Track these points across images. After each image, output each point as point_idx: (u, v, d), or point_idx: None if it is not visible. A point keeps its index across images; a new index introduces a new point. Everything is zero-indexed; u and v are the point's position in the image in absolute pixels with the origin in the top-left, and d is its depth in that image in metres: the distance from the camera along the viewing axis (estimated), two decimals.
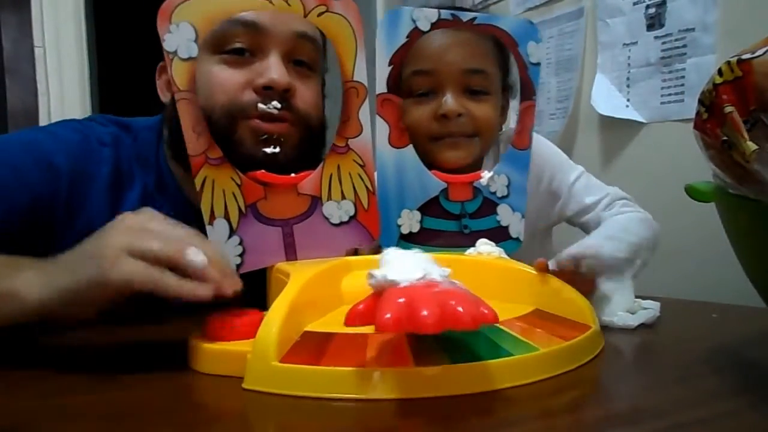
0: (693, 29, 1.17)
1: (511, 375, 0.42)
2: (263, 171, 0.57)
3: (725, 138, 0.46)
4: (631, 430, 0.37)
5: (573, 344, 0.47)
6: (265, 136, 0.62)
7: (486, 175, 0.67)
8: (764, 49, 0.44)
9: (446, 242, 0.65)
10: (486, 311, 0.38)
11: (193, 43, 0.53)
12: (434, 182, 0.66)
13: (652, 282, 0.72)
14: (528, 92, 0.70)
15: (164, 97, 0.71)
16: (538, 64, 0.69)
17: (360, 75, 0.60)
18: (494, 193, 0.68)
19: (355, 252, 0.62)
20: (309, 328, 0.47)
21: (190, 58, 0.53)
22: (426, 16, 0.64)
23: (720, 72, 0.46)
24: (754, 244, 0.49)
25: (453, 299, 0.38)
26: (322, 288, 0.52)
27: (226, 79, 0.63)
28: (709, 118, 0.47)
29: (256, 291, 0.54)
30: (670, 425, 0.36)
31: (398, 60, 0.64)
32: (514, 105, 0.79)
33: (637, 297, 0.63)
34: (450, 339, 0.45)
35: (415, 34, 0.64)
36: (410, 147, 0.65)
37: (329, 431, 0.38)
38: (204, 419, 0.40)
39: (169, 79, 0.70)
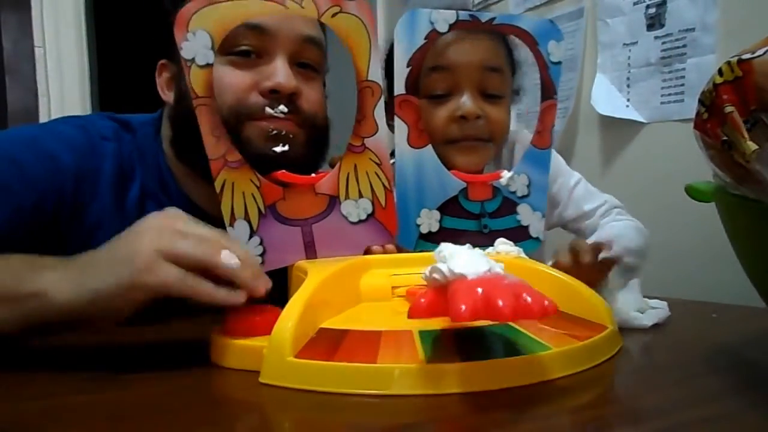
0: (693, 29, 1.17)
1: (522, 374, 0.42)
2: (284, 171, 0.58)
3: (725, 138, 0.46)
4: (631, 429, 0.37)
5: (586, 344, 0.47)
6: (274, 132, 0.63)
7: (506, 174, 0.68)
8: (764, 49, 0.44)
9: (466, 242, 0.65)
10: (548, 303, 0.39)
11: (209, 50, 0.54)
12: (454, 182, 0.66)
13: (653, 282, 0.72)
14: (549, 91, 0.70)
15: (165, 95, 0.72)
16: (559, 63, 0.69)
17: (374, 74, 0.60)
18: (514, 193, 0.68)
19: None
20: (325, 324, 0.48)
21: (207, 65, 0.54)
22: (444, 18, 0.64)
23: (720, 72, 0.46)
24: (754, 244, 0.49)
25: (523, 291, 0.39)
26: (339, 285, 0.53)
27: (234, 80, 0.64)
28: (710, 118, 0.47)
29: (279, 289, 0.55)
30: (670, 425, 0.36)
31: (417, 61, 0.64)
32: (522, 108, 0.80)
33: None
34: (461, 337, 0.45)
35: (434, 35, 0.64)
36: (429, 147, 0.65)
37: (342, 425, 0.39)
38: (220, 412, 0.41)
39: (170, 77, 0.70)
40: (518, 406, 0.40)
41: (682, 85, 1.20)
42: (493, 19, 0.67)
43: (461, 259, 0.42)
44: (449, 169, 0.70)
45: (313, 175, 0.60)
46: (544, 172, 0.70)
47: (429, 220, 0.65)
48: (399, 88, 0.64)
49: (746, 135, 0.44)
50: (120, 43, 2.85)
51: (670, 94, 1.22)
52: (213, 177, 0.55)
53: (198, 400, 0.43)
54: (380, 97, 0.61)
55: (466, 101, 0.78)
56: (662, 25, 1.22)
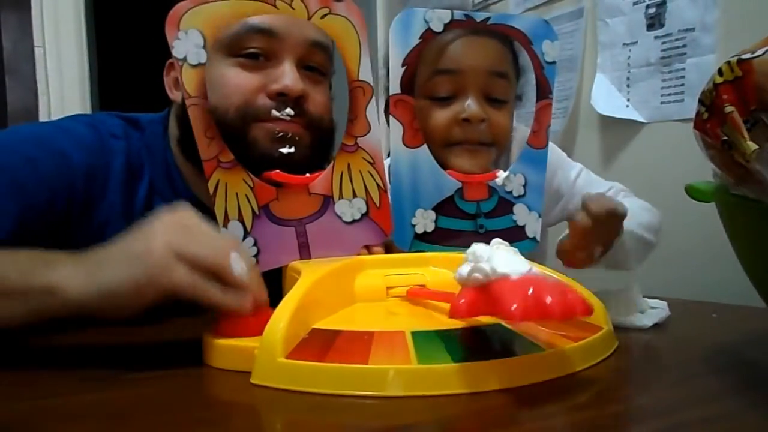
0: (693, 29, 1.17)
1: (514, 375, 0.42)
2: (278, 171, 0.58)
3: (725, 138, 0.46)
4: (630, 429, 0.37)
5: (580, 345, 0.47)
6: (280, 134, 0.63)
7: (501, 174, 0.68)
8: (764, 49, 0.44)
9: (461, 242, 0.65)
10: (588, 303, 0.40)
11: (201, 49, 0.54)
12: (449, 182, 0.66)
13: (653, 282, 0.72)
14: (544, 91, 0.70)
15: (172, 94, 0.72)
16: (553, 63, 0.69)
17: (365, 74, 0.61)
18: (510, 193, 0.68)
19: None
20: (318, 325, 0.48)
21: (199, 65, 0.54)
22: (439, 17, 0.64)
23: (720, 72, 0.46)
24: (754, 244, 0.49)
25: (566, 289, 0.40)
26: (333, 286, 0.53)
27: (242, 82, 0.64)
28: (710, 118, 0.47)
29: (273, 290, 0.54)
30: (670, 425, 0.36)
31: (412, 61, 0.64)
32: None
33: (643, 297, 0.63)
34: (454, 338, 0.45)
35: (428, 35, 0.64)
36: (425, 147, 0.65)
37: (334, 427, 0.39)
38: (211, 413, 0.41)
39: (177, 76, 0.70)
40: (513, 407, 0.40)
41: (682, 85, 1.20)
42: (487, 18, 0.67)
43: (502, 259, 0.42)
44: (450, 165, 0.70)
45: (307, 174, 0.60)
46: (541, 171, 0.70)
47: (424, 220, 0.65)
48: (394, 87, 0.64)
49: (746, 135, 0.44)
50: (120, 42, 2.85)
51: (670, 94, 1.22)
52: (206, 177, 0.55)
53: (190, 400, 0.43)
54: (371, 97, 0.61)
55: (471, 104, 0.76)
56: (662, 25, 1.22)
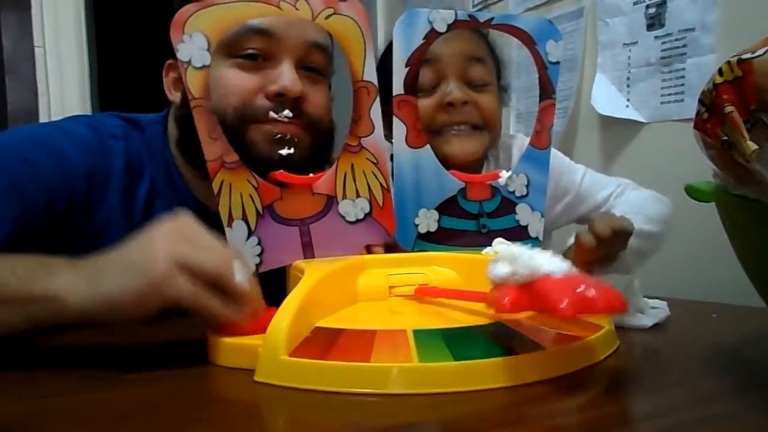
0: (693, 29, 1.17)
1: (515, 374, 0.42)
2: (282, 171, 0.58)
3: (725, 138, 0.46)
4: (630, 429, 0.37)
5: (580, 344, 0.47)
6: (278, 136, 0.63)
7: (504, 174, 0.68)
8: (764, 49, 0.44)
9: (464, 242, 0.66)
10: (623, 299, 0.41)
11: (206, 52, 0.54)
12: (452, 182, 0.66)
13: (653, 282, 0.72)
14: (547, 91, 0.70)
15: (171, 95, 0.72)
16: (557, 63, 0.69)
17: (370, 74, 0.61)
18: (513, 193, 0.69)
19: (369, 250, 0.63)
20: (321, 323, 0.48)
21: (203, 67, 0.54)
22: (443, 18, 0.65)
23: (720, 72, 0.46)
24: (754, 244, 0.49)
25: (606, 286, 0.41)
26: (336, 285, 0.53)
27: (240, 83, 0.64)
28: (710, 118, 0.47)
29: (277, 289, 0.55)
30: (670, 425, 0.36)
31: (415, 61, 0.64)
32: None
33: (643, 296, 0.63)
34: (455, 337, 0.45)
35: (432, 35, 0.65)
36: (428, 147, 0.66)
37: (336, 424, 0.39)
38: (215, 411, 0.41)
39: (176, 77, 0.71)
40: (514, 405, 0.40)
41: (682, 85, 1.20)
42: (491, 19, 0.67)
43: (543, 258, 0.43)
44: (444, 160, 0.70)
45: (311, 175, 0.60)
46: (543, 172, 0.70)
47: (427, 220, 0.65)
48: (398, 88, 0.64)
49: (746, 135, 0.44)
50: (120, 42, 2.85)
51: (670, 94, 1.22)
52: (211, 178, 0.55)
53: (192, 399, 0.43)
54: (376, 97, 0.61)
55: (452, 89, 0.80)
56: (662, 25, 1.22)
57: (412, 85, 0.64)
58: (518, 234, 0.68)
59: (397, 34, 0.63)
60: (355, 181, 0.61)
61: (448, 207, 0.66)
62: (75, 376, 0.46)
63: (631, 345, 0.55)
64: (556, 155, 0.93)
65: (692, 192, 0.53)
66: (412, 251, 0.64)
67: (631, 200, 0.91)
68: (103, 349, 0.55)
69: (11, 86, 1.77)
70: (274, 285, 0.54)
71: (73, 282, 0.47)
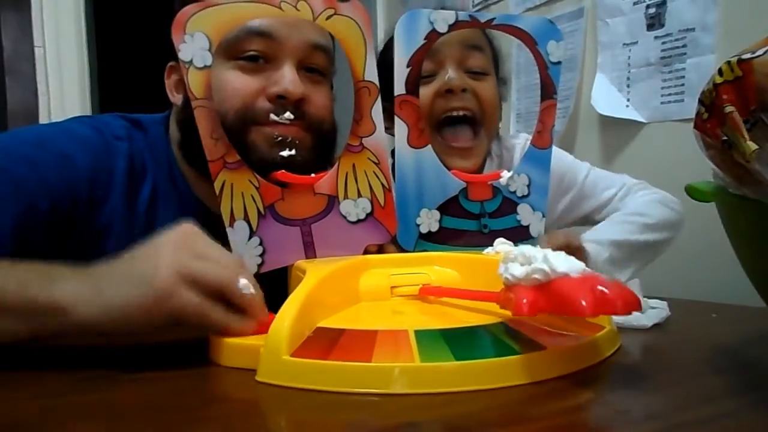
0: (693, 29, 1.17)
1: (516, 373, 0.42)
2: (283, 171, 0.59)
3: (725, 138, 0.46)
4: (630, 429, 0.37)
5: (583, 344, 0.47)
6: (279, 138, 0.63)
7: (505, 174, 0.68)
8: (764, 49, 0.44)
9: (466, 242, 0.66)
10: (638, 298, 0.42)
11: (207, 52, 0.55)
12: (453, 182, 0.66)
13: (653, 282, 0.72)
14: (549, 91, 0.70)
15: (173, 97, 0.72)
16: (559, 63, 0.69)
17: (371, 75, 0.61)
18: (514, 193, 0.69)
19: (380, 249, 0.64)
20: (322, 324, 0.48)
21: (205, 67, 0.55)
22: (444, 18, 0.65)
23: (720, 72, 0.46)
24: (754, 244, 0.49)
25: (621, 285, 0.42)
26: (338, 285, 0.53)
27: (241, 85, 0.64)
28: (710, 118, 0.47)
29: (280, 289, 0.55)
30: (670, 425, 0.36)
31: (417, 62, 0.64)
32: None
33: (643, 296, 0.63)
34: (455, 337, 0.45)
35: (433, 35, 0.65)
36: (429, 147, 0.66)
37: (338, 424, 0.39)
38: (217, 410, 0.41)
39: (178, 79, 0.71)
40: (515, 405, 0.40)
41: (682, 85, 1.20)
42: (492, 19, 0.67)
43: (558, 259, 0.43)
44: (443, 152, 0.71)
45: (312, 175, 0.60)
46: (545, 172, 0.70)
47: (429, 220, 0.65)
48: (399, 88, 0.64)
49: (746, 135, 0.44)
50: (120, 42, 2.85)
51: (670, 94, 1.22)
52: (212, 178, 0.55)
53: (195, 398, 0.43)
54: (377, 97, 0.61)
55: (451, 75, 0.81)
56: (662, 25, 1.23)
57: (413, 86, 0.64)
58: (519, 234, 0.68)
59: (399, 34, 0.64)
60: (356, 181, 0.61)
61: (449, 207, 0.66)
62: (76, 376, 0.46)
63: (631, 345, 0.55)
64: (559, 153, 0.94)
65: (692, 192, 0.53)
66: (414, 251, 0.64)
67: (632, 205, 0.91)
68: (103, 349, 0.55)
69: (11, 86, 1.78)
70: (276, 285, 0.54)
71: (77, 292, 0.47)
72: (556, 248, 0.49)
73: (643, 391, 0.44)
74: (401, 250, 0.65)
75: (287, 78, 0.64)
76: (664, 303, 0.63)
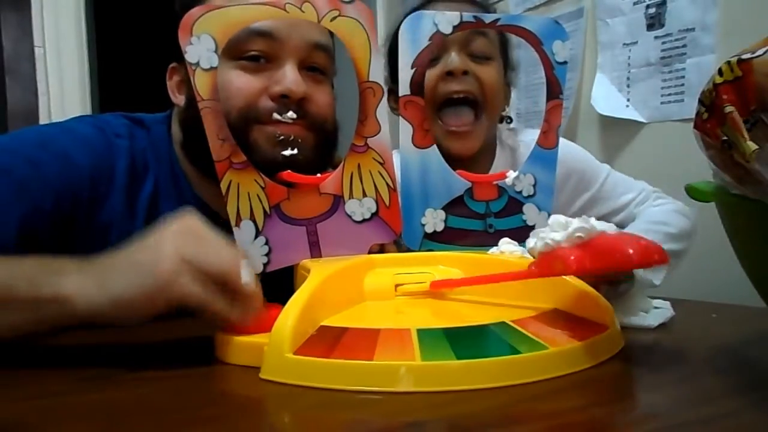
0: (693, 29, 1.17)
1: (518, 373, 0.42)
2: (289, 171, 0.59)
3: (725, 138, 0.46)
4: (630, 429, 0.37)
5: (586, 344, 0.47)
6: (281, 137, 0.64)
7: (511, 174, 0.68)
8: (764, 49, 0.44)
9: (471, 241, 0.66)
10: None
11: (213, 53, 0.55)
12: (459, 182, 0.66)
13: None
14: (554, 91, 0.70)
15: (175, 98, 0.72)
16: (564, 63, 0.69)
17: (376, 75, 0.61)
18: (520, 193, 0.69)
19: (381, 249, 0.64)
20: (326, 322, 0.48)
21: (211, 68, 0.55)
22: (448, 20, 0.65)
23: (720, 72, 0.46)
24: (754, 244, 0.49)
25: (650, 241, 0.45)
26: (342, 284, 0.53)
27: (244, 85, 0.64)
28: (710, 118, 0.47)
29: (285, 287, 0.55)
30: (670, 425, 0.36)
31: (421, 63, 0.64)
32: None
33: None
34: (457, 336, 0.45)
35: (437, 37, 0.65)
36: (434, 147, 0.66)
37: (341, 422, 0.39)
38: (220, 408, 0.41)
39: (180, 80, 0.71)
40: (517, 404, 0.40)
41: (682, 85, 1.20)
42: (497, 19, 0.67)
43: (591, 221, 0.47)
44: (441, 136, 0.70)
45: (318, 175, 0.60)
46: (551, 172, 0.70)
47: (434, 220, 0.65)
48: (404, 89, 0.64)
49: (746, 135, 0.44)
50: (120, 42, 2.85)
51: (670, 94, 1.22)
52: (219, 178, 0.56)
53: (199, 396, 0.43)
54: (382, 98, 0.61)
55: (453, 58, 0.82)
56: (662, 25, 1.23)
57: (418, 86, 0.64)
58: (525, 234, 0.67)
59: (403, 35, 0.64)
60: (361, 181, 0.61)
61: (454, 207, 0.66)
62: (76, 376, 0.46)
63: (631, 345, 0.55)
64: (582, 151, 0.96)
65: (692, 192, 0.53)
66: (419, 251, 0.64)
67: (652, 216, 0.91)
68: (104, 349, 0.55)
69: (11, 86, 1.78)
70: (282, 284, 0.55)
71: (82, 283, 0.48)
72: None
73: (643, 391, 0.44)
74: (402, 250, 0.65)
75: (289, 77, 0.64)
76: (668, 303, 0.63)
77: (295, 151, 0.64)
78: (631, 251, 0.43)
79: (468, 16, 0.66)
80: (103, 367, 0.48)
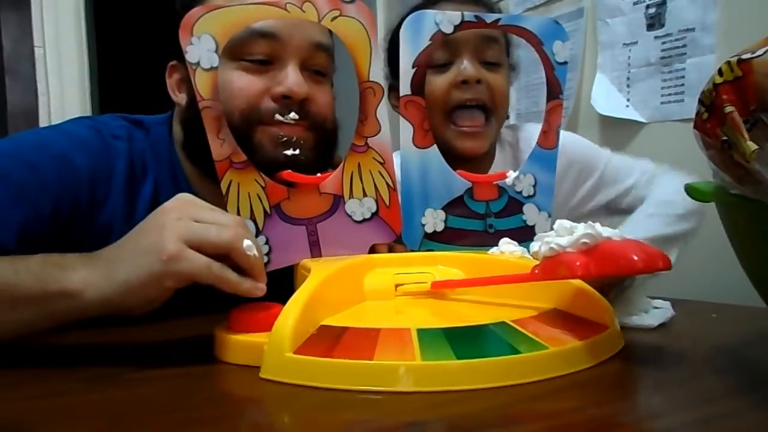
0: (693, 29, 1.17)
1: (518, 373, 0.42)
2: (289, 171, 0.59)
3: (725, 138, 0.46)
4: (630, 429, 0.37)
5: (586, 344, 0.47)
6: (284, 138, 0.64)
7: (511, 174, 0.68)
8: (764, 49, 0.44)
9: (471, 241, 0.66)
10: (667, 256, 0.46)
11: (214, 53, 0.55)
12: (459, 182, 0.66)
13: (653, 282, 0.72)
14: (555, 91, 0.70)
15: (175, 97, 0.72)
16: (565, 63, 0.70)
17: (376, 75, 0.61)
18: (520, 193, 0.69)
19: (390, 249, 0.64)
20: (326, 322, 0.48)
21: (212, 68, 0.55)
22: (449, 19, 0.65)
23: (720, 72, 0.46)
24: (754, 244, 0.49)
25: (654, 248, 0.46)
26: (342, 284, 0.53)
27: (246, 85, 0.64)
28: (709, 118, 0.47)
29: (286, 287, 0.55)
30: (670, 425, 0.36)
31: (422, 62, 0.64)
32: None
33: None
34: (457, 336, 0.45)
35: (438, 36, 0.65)
36: (434, 147, 0.66)
37: (341, 421, 0.39)
38: (221, 408, 0.41)
39: (180, 78, 0.71)
40: (517, 404, 0.40)
41: (682, 85, 1.20)
42: (498, 20, 0.67)
43: (597, 227, 0.48)
44: (452, 153, 0.70)
45: (318, 175, 0.60)
46: (551, 172, 0.70)
47: (434, 220, 0.65)
48: (404, 88, 0.64)
49: (746, 135, 0.44)
50: (120, 43, 2.85)
51: (670, 94, 1.22)
52: (219, 178, 0.56)
53: (199, 396, 0.43)
54: (382, 97, 0.61)
55: (467, 66, 0.82)
56: (662, 25, 1.23)
57: (418, 86, 0.64)
58: (525, 234, 0.68)
59: (404, 35, 0.64)
60: (361, 181, 0.61)
61: (454, 207, 0.66)
62: (76, 376, 0.46)
63: (631, 345, 0.55)
64: (580, 140, 0.96)
65: (692, 192, 0.53)
66: (419, 251, 0.64)
67: (658, 196, 0.90)
68: (104, 349, 0.55)
69: (11, 86, 1.78)
70: (282, 283, 0.55)
71: (88, 275, 0.48)
72: None
73: (643, 391, 0.44)
74: (404, 249, 0.65)
75: (292, 78, 0.64)
76: (668, 303, 0.63)
77: (297, 151, 0.64)
78: (635, 258, 0.43)
79: (469, 15, 0.66)
80: (104, 367, 0.48)
